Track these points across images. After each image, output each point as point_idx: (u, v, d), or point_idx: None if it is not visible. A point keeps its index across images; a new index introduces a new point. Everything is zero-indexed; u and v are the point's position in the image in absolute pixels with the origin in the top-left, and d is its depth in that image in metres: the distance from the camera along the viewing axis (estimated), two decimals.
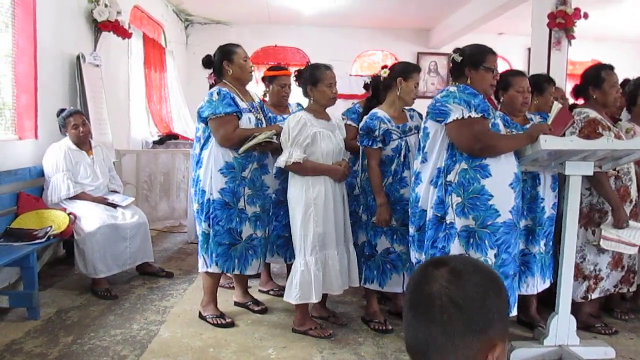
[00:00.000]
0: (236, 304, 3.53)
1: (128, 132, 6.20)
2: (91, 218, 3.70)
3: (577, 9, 5.18)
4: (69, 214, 3.63)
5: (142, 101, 6.77)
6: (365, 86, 3.68)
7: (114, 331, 3.05)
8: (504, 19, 7.10)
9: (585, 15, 5.19)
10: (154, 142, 6.58)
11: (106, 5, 4.91)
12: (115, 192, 4.17)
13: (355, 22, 8.54)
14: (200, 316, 3.26)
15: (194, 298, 3.61)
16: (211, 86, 3.39)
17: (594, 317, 3.29)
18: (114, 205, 3.95)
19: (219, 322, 3.18)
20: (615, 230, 3.02)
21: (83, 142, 4.00)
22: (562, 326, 2.84)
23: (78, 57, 4.66)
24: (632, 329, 3.31)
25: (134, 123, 6.46)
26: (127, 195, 4.26)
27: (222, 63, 3.18)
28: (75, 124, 3.92)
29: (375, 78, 3.36)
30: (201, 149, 3.19)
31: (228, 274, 3.48)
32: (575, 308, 3.03)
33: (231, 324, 3.18)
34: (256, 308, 3.44)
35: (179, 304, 3.56)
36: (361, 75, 7.95)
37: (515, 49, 9.02)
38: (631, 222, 3.04)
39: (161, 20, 7.54)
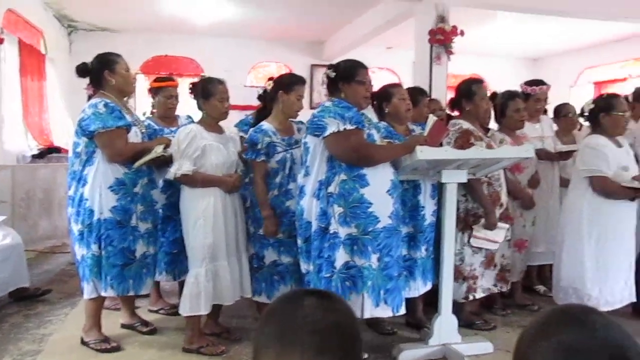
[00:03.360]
0: (123, 326, 3.34)
1: (1, 146, 5.69)
2: None
3: (454, 27, 5.55)
4: None
5: (18, 112, 6.25)
6: (259, 97, 3.66)
7: None
8: (392, 33, 7.38)
9: (462, 33, 5.58)
10: (33, 156, 6.10)
11: None
12: None
13: (250, 32, 8.51)
14: (83, 342, 3.05)
15: (76, 323, 3.36)
16: (89, 97, 3.20)
17: (475, 315, 3.51)
18: None
19: (103, 347, 3.00)
20: (484, 230, 3.25)
21: None
22: (445, 326, 2.99)
23: None
24: (508, 323, 3.58)
25: (8, 136, 5.93)
26: None
27: (103, 72, 3.01)
28: None
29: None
30: (83, 166, 2.97)
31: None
32: (458, 308, 3.21)
33: (117, 349, 3.02)
34: (144, 329, 3.29)
35: (59, 330, 3.32)
36: (256, 87, 7.93)
37: (402, 62, 9.40)
38: (499, 223, 3.29)
39: (40, 25, 7.03)
